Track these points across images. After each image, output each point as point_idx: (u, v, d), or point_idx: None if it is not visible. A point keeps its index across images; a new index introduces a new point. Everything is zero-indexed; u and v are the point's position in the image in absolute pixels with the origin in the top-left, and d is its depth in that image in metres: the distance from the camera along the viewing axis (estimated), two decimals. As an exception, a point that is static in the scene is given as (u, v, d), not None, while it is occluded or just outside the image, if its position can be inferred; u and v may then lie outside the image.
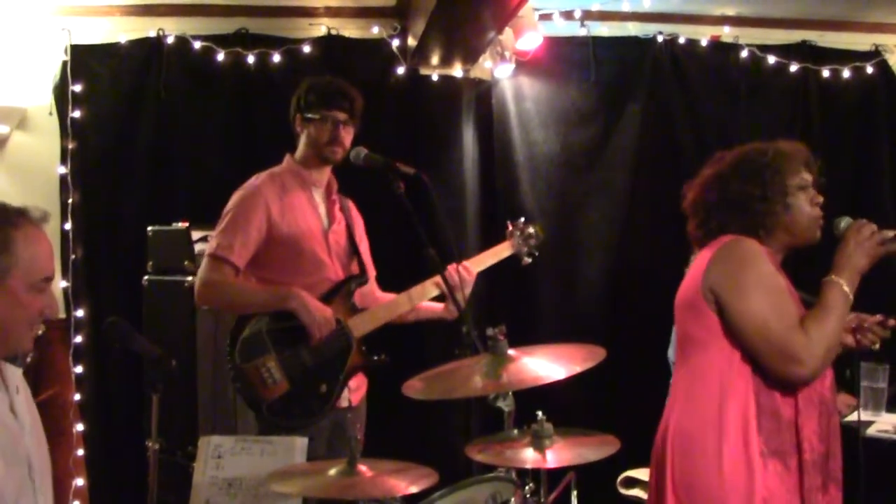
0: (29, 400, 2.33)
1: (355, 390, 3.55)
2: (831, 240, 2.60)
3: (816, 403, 2.47)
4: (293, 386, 3.31)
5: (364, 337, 3.50)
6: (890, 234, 2.50)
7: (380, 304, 3.61)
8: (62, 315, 4.74)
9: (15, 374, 2.28)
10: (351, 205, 3.76)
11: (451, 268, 3.47)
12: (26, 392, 2.33)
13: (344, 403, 3.48)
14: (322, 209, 3.60)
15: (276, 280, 3.43)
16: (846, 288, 2.44)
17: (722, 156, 2.70)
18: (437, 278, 3.54)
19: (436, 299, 3.67)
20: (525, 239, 3.88)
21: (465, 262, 3.64)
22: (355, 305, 3.53)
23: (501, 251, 3.86)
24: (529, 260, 3.91)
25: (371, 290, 3.71)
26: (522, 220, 3.94)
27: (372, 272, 3.74)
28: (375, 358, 3.50)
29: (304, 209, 3.52)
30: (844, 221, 2.57)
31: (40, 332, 4.58)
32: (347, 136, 3.52)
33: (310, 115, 3.50)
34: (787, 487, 2.42)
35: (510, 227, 3.90)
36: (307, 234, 3.47)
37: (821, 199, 2.61)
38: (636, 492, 4.30)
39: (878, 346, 2.75)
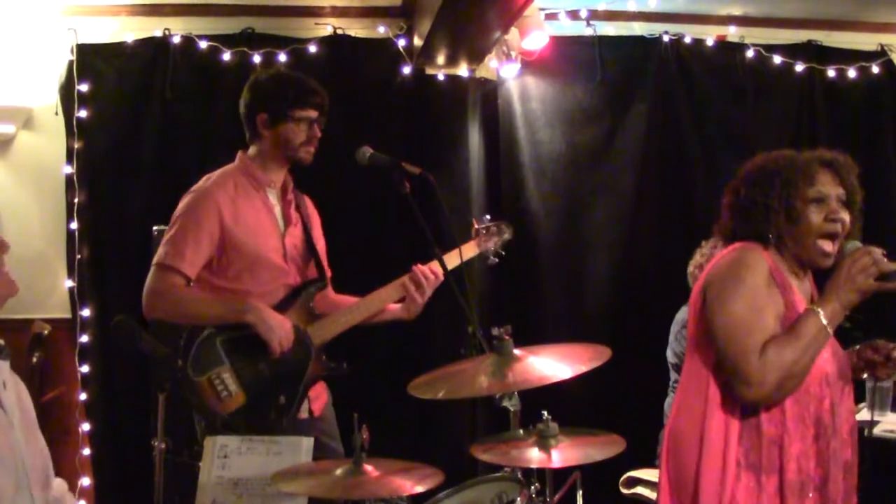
0: (19, 395, 2.30)
1: (315, 399, 3.45)
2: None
3: (811, 425, 2.39)
4: (250, 398, 3.17)
5: (326, 344, 3.39)
6: (893, 266, 2.34)
7: (340, 308, 3.48)
8: (68, 315, 4.75)
9: (2, 368, 2.25)
10: (308, 202, 3.63)
11: (422, 267, 3.43)
12: (16, 387, 2.30)
13: (304, 414, 3.37)
14: (277, 210, 3.45)
15: (232, 288, 3.29)
16: (824, 321, 2.33)
17: (752, 159, 2.61)
18: (399, 281, 3.47)
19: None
20: (490, 238, 3.75)
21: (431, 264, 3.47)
22: (314, 311, 3.41)
23: (467, 251, 3.67)
24: (496, 260, 3.78)
25: (326, 293, 3.59)
26: (488, 217, 3.83)
27: (327, 273, 3.63)
28: (334, 365, 3.38)
29: (259, 212, 3.37)
30: (851, 245, 2.43)
31: (46, 331, 4.60)
32: (319, 134, 3.43)
33: (282, 115, 3.35)
34: None
35: (476, 226, 3.76)
36: (262, 238, 3.33)
37: (840, 216, 2.44)
38: (638, 490, 4.31)
39: (893, 378, 2.72)
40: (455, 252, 3.59)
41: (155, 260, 3.26)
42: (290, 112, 3.36)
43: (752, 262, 2.43)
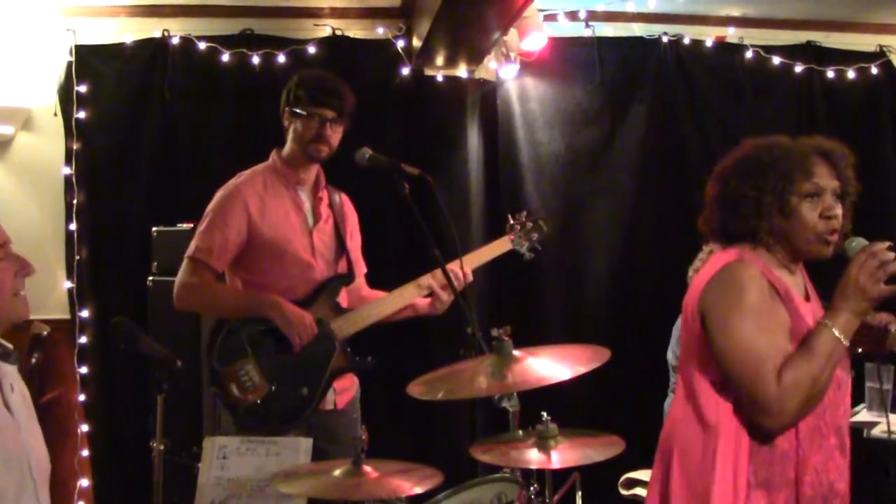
0: (25, 398, 2.31)
1: (341, 393, 3.48)
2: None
3: (830, 434, 2.29)
4: (273, 389, 3.24)
5: (351, 338, 3.43)
6: None
7: (366, 303, 3.54)
8: (67, 316, 4.75)
9: (8, 372, 2.26)
10: (344, 199, 3.67)
11: (451, 266, 3.41)
12: (22, 390, 2.31)
13: (328, 406, 3.42)
14: (307, 207, 3.51)
15: (259, 282, 3.38)
16: (838, 334, 2.19)
17: (741, 146, 2.45)
18: (425, 277, 3.49)
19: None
20: (527, 233, 3.74)
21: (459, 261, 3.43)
22: (340, 306, 3.45)
23: (499, 247, 3.72)
24: (532, 255, 3.76)
25: (358, 289, 3.64)
26: (525, 213, 3.81)
27: (361, 270, 3.68)
28: (358, 359, 3.44)
29: (287, 209, 3.44)
30: (856, 243, 2.27)
31: (45, 332, 4.60)
32: (335, 134, 3.44)
33: (297, 111, 3.41)
34: None
35: (510, 221, 3.77)
36: (289, 234, 3.41)
37: (836, 212, 2.30)
38: (637, 491, 4.31)
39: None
40: (483, 249, 3.70)
41: (186, 253, 3.38)
42: (305, 108, 3.41)
43: (748, 278, 2.28)
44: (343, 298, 3.50)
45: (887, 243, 2.23)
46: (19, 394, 2.27)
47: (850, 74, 5.48)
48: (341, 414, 3.49)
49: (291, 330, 3.25)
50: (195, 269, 3.34)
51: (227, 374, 3.22)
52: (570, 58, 5.27)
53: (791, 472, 2.27)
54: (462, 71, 5.10)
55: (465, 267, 3.39)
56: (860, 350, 2.57)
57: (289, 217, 3.44)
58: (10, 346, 2.26)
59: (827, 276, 2.37)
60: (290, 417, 3.28)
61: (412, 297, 3.53)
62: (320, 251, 3.48)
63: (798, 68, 5.45)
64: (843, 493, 2.31)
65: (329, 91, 3.43)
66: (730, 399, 2.32)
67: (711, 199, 2.46)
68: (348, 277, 3.54)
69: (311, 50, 4.94)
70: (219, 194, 3.44)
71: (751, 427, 2.29)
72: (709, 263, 2.44)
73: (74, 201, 4.74)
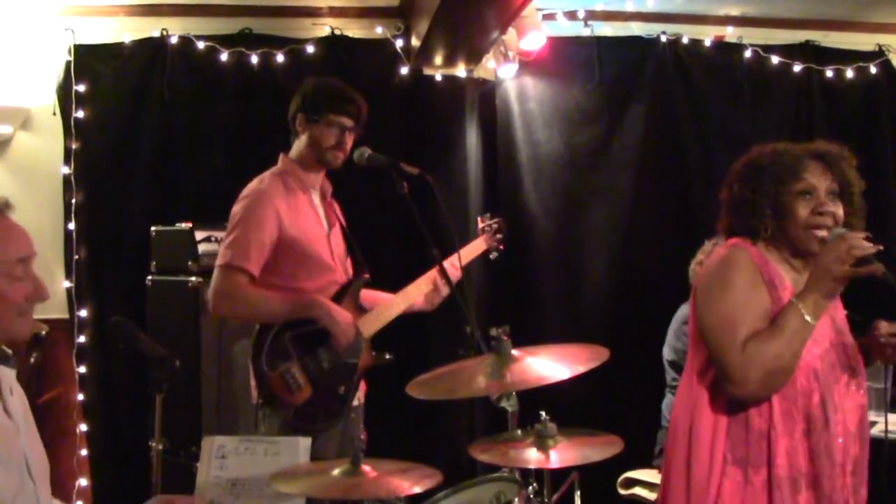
0: (23, 401, 2.31)
1: (361, 388, 3.57)
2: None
3: (800, 420, 2.38)
4: (315, 390, 3.30)
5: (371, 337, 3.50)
6: (872, 249, 2.28)
7: (381, 303, 3.59)
8: (66, 315, 4.75)
9: (8, 375, 2.26)
10: (337, 206, 3.74)
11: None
12: (20, 393, 2.31)
13: (354, 403, 3.50)
14: (321, 211, 3.57)
15: (285, 285, 3.39)
16: (805, 314, 2.32)
17: (748, 152, 2.60)
18: (430, 274, 3.58)
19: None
20: (493, 233, 3.96)
21: (458, 257, 3.59)
22: (362, 306, 3.52)
23: (477, 247, 3.92)
24: (496, 254, 3.99)
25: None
26: (489, 214, 4.01)
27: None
28: (387, 357, 3.50)
29: (308, 212, 3.48)
30: (834, 233, 2.39)
31: (44, 332, 4.59)
32: (350, 142, 3.49)
33: (316, 117, 3.44)
34: (744, 499, 2.37)
35: (481, 223, 3.98)
36: (313, 237, 3.44)
37: (828, 208, 2.42)
38: (635, 490, 4.32)
39: None
40: (464, 249, 3.77)
41: (219, 262, 3.34)
42: (324, 115, 3.44)
43: (737, 260, 2.46)
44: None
45: (865, 234, 2.35)
46: (17, 397, 2.27)
47: (849, 74, 5.49)
48: (360, 408, 3.59)
49: (338, 328, 3.30)
50: (231, 275, 3.30)
51: (275, 378, 3.26)
52: (569, 57, 5.28)
53: (765, 453, 2.38)
54: (461, 70, 5.10)
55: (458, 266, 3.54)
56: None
57: (311, 220, 3.49)
58: (9, 350, 2.26)
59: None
60: (332, 416, 3.37)
61: (421, 293, 3.64)
62: (337, 254, 3.55)
63: (797, 68, 5.46)
64: (811, 477, 2.37)
65: (349, 100, 3.49)
66: (711, 376, 2.47)
67: (722, 202, 2.63)
68: (367, 279, 3.59)
69: (310, 49, 4.94)
70: (245, 201, 3.41)
71: (728, 404, 2.43)
72: (713, 253, 2.64)
73: (73, 201, 4.74)
